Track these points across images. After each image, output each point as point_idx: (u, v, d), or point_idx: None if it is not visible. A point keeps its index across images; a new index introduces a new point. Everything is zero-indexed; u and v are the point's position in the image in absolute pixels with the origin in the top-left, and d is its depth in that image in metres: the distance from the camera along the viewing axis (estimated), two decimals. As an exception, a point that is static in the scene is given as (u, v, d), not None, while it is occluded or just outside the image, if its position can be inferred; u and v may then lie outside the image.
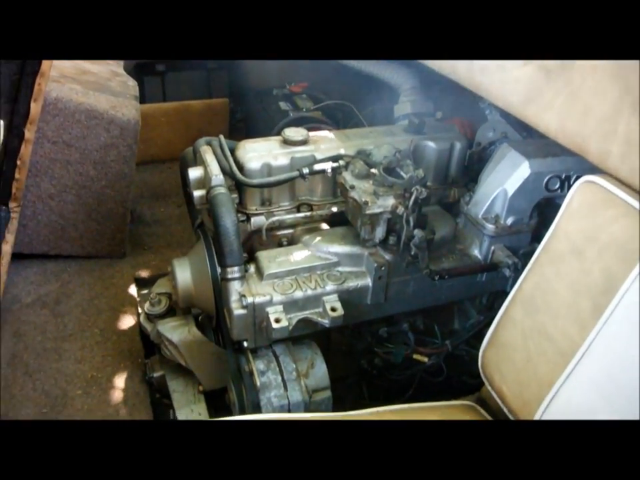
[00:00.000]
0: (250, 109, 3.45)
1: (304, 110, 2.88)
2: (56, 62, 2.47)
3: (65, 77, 2.47)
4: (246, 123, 3.63)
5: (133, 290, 2.51)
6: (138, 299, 2.45)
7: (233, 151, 1.78)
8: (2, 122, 1.27)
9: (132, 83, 2.77)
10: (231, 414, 1.77)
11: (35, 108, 2.01)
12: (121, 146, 2.44)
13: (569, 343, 1.21)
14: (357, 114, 2.81)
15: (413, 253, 1.60)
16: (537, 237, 1.81)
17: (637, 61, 1.11)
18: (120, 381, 2.09)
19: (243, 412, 1.68)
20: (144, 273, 2.61)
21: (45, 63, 1.90)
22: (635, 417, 1.08)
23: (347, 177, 1.66)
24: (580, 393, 1.19)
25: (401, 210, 1.56)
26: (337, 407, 1.75)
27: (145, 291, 2.47)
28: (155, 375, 2.02)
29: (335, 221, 1.81)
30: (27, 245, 2.52)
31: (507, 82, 1.41)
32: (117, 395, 2.04)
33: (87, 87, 2.46)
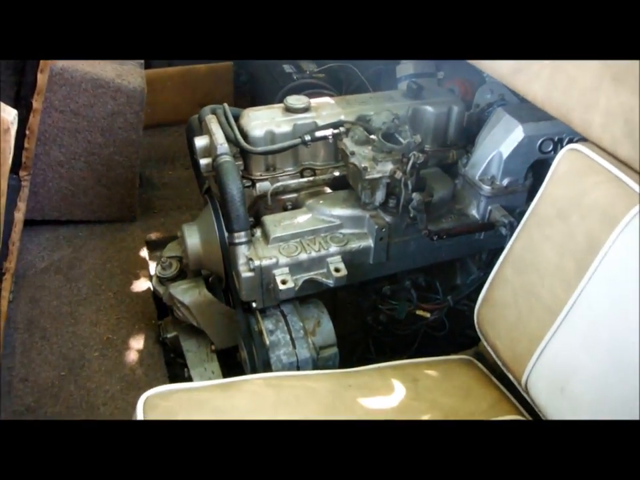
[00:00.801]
0: (254, 72, 3.46)
1: (307, 72, 2.90)
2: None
3: (71, 46, 2.51)
4: (250, 85, 3.64)
5: (144, 253, 2.59)
6: (149, 262, 2.53)
7: (237, 119, 1.83)
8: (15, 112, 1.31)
9: (137, 50, 2.80)
10: (242, 371, 1.86)
11: (41, 79, 2.07)
12: (128, 113, 2.49)
13: (555, 300, 1.28)
14: (359, 76, 2.83)
15: (412, 215, 1.67)
16: (531, 197, 1.87)
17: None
18: (135, 342, 2.18)
19: (253, 369, 1.76)
20: (154, 236, 2.67)
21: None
22: (614, 372, 1.15)
23: (348, 143, 1.71)
24: (566, 347, 1.26)
25: (399, 174, 1.62)
26: (345, 362, 1.82)
27: (156, 253, 2.54)
28: (169, 335, 2.10)
29: (337, 184, 1.87)
30: (39, 211, 2.59)
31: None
32: (133, 356, 2.13)
33: (93, 56, 2.50)
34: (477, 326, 1.56)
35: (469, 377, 1.56)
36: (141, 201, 2.80)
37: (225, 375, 1.99)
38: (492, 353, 1.49)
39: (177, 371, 2.12)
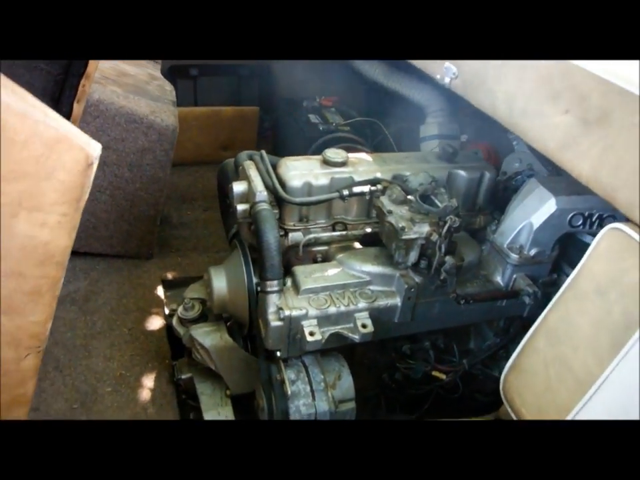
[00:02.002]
0: (278, 119, 3.49)
1: (333, 125, 2.94)
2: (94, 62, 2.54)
3: (106, 79, 2.54)
4: (273, 132, 3.68)
5: (159, 291, 2.58)
6: (165, 301, 2.52)
7: (274, 167, 1.86)
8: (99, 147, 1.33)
9: (169, 88, 2.84)
10: (255, 418, 1.85)
11: (77, 109, 2.06)
12: (158, 150, 2.51)
13: (587, 373, 1.30)
14: (384, 131, 2.87)
15: (442, 277, 1.68)
16: (555, 268, 1.89)
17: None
18: (148, 380, 2.16)
19: (271, 417, 1.75)
20: (170, 275, 2.68)
21: (91, 65, 1.94)
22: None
23: (385, 202, 1.74)
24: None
25: (434, 237, 1.64)
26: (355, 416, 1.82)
27: (171, 293, 2.55)
28: (183, 376, 2.08)
29: (368, 240, 1.89)
30: (58, 241, 2.58)
31: (546, 127, 1.48)
32: (145, 394, 2.11)
33: (127, 90, 2.53)
34: (502, 392, 1.56)
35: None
36: (158, 239, 2.81)
37: (238, 421, 1.98)
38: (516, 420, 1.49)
39: (187, 413, 2.10)
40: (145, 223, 2.65)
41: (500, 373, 2.03)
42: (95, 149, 1.28)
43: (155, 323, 2.41)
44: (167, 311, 2.42)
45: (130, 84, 2.63)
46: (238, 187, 1.81)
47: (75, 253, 2.58)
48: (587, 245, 1.72)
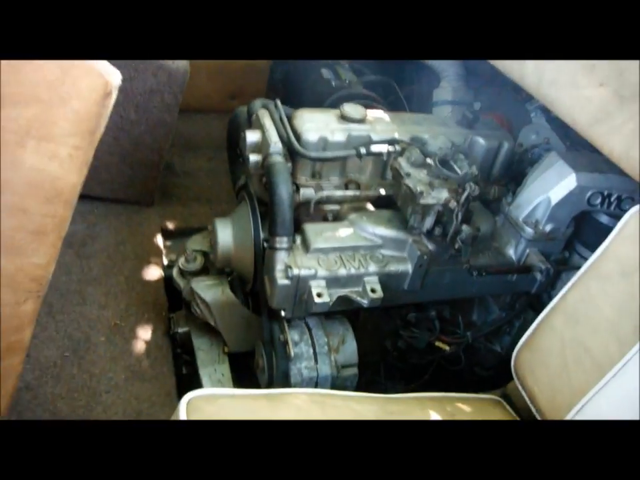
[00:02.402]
0: (290, 71, 3.41)
1: (346, 81, 2.86)
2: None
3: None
4: (284, 84, 3.59)
5: (159, 240, 2.52)
6: (164, 251, 2.47)
7: (289, 119, 1.78)
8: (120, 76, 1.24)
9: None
10: (253, 379, 1.81)
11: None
12: (166, 93, 2.42)
13: (606, 357, 1.26)
14: (397, 91, 2.80)
15: (457, 246, 1.63)
16: (567, 246, 1.84)
17: None
18: (143, 332, 2.10)
19: (270, 378, 1.71)
20: (170, 224, 2.61)
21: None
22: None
23: (403, 163, 1.68)
24: (611, 405, 1.24)
25: (452, 204, 1.58)
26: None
27: (170, 242, 2.50)
28: (180, 330, 2.04)
29: (380, 202, 1.83)
30: (57, 181, 2.51)
31: (578, 99, 1.43)
32: (140, 346, 2.06)
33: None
34: (513, 369, 1.52)
35: (501, 418, 1.52)
36: (160, 186, 2.72)
37: (234, 379, 1.94)
38: (526, 398, 1.45)
39: (181, 367, 2.07)
40: (148, 169, 2.57)
41: (502, 349, 2.02)
42: (115, 77, 1.20)
43: (153, 272, 2.34)
44: (165, 262, 2.38)
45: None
46: (251, 136, 1.73)
47: (74, 195, 2.54)
48: (602, 225, 1.70)
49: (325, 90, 2.73)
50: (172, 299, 2.19)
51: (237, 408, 1.26)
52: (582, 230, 1.83)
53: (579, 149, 1.91)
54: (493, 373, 2.04)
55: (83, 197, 2.49)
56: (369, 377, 2.05)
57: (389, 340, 1.96)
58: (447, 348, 1.94)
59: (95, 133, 1.24)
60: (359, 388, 1.75)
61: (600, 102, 1.39)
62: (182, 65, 2.40)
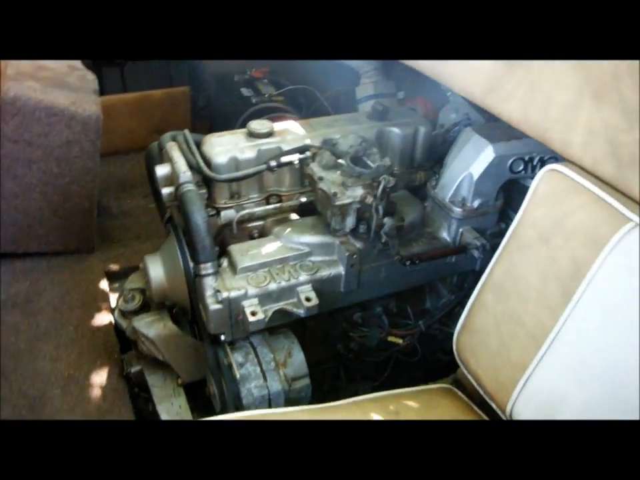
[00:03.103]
0: (212, 96, 3.42)
1: (266, 95, 2.87)
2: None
3: (22, 74, 2.43)
4: (208, 110, 3.60)
5: (104, 284, 2.50)
6: (110, 293, 2.44)
7: (198, 145, 1.78)
8: None
9: (91, 77, 2.73)
10: (211, 406, 1.79)
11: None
12: (84, 141, 2.41)
13: (539, 327, 1.25)
14: (319, 98, 2.80)
15: (383, 240, 1.62)
16: (502, 217, 1.85)
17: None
18: (98, 377, 2.07)
19: (224, 404, 1.69)
20: (114, 267, 2.59)
21: (2, 63, 1.87)
22: (605, 399, 1.11)
23: (315, 168, 1.67)
24: (552, 376, 1.22)
25: (369, 199, 1.58)
26: (315, 391, 1.78)
27: (117, 285, 2.48)
28: (133, 370, 2.01)
29: (305, 210, 1.83)
30: (-6, 244, 2.49)
31: (469, 71, 1.43)
32: (96, 392, 2.03)
33: (45, 84, 2.43)
34: (456, 353, 1.51)
35: (451, 407, 1.51)
36: (99, 231, 2.72)
37: (193, 409, 1.92)
38: (473, 382, 1.44)
39: (141, 405, 2.04)
40: (81, 217, 2.55)
41: (460, 330, 2.02)
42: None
43: (102, 317, 2.32)
44: (112, 304, 2.36)
45: (49, 77, 2.52)
46: (161, 170, 1.73)
47: (13, 255, 2.52)
48: (530, 190, 1.69)
49: (247, 108, 2.73)
50: (123, 341, 2.16)
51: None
52: (513, 199, 1.83)
53: (498, 119, 1.91)
54: (456, 356, 2.04)
55: (23, 255, 2.53)
56: (331, 384, 2.05)
57: (340, 343, 1.94)
58: (401, 341, 1.94)
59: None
60: (321, 397, 1.74)
61: (489, 70, 1.38)
62: (94, 111, 2.40)
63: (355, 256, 1.67)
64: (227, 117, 2.93)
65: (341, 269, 1.69)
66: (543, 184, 1.30)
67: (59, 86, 2.47)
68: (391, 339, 1.93)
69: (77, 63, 2.83)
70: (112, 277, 2.54)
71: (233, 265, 1.64)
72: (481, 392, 1.42)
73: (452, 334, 1.57)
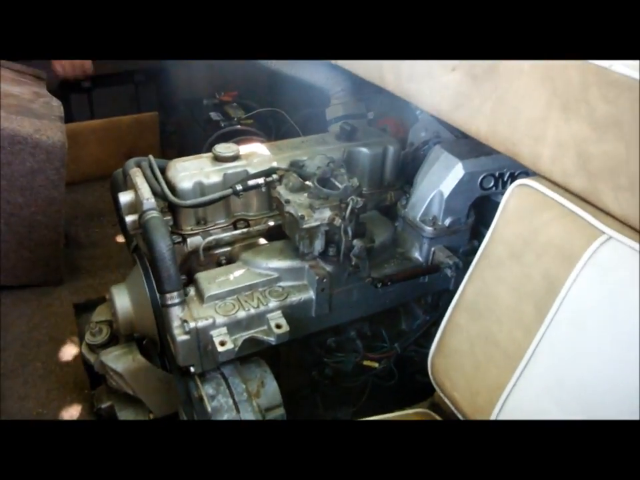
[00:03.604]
0: (181, 121, 3.40)
1: (235, 119, 2.84)
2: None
3: (-16, 101, 2.39)
4: (178, 135, 3.57)
5: (72, 317, 2.44)
6: (79, 326, 2.38)
7: (163, 171, 1.74)
8: None
9: (56, 103, 2.69)
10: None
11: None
12: (49, 170, 2.36)
13: (515, 347, 1.22)
14: (288, 120, 2.78)
15: (353, 263, 1.59)
16: (475, 235, 1.82)
17: (564, 63, 1.11)
18: (67, 415, 2.01)
19: (195, 438, 1.64)
20: (83, 299, 2.53)
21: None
22: (583, 415, 1.09)
23: (282, 191, 1.64)
24: (530, 396, 1.20)
25: (338, 221, 1.55)
26: (292, 419, 1.73)
27: (86, 317, 2.41)
28: (103, 406, 1.95)
29: (273, 234, 1.79)
30: (-43, 279, 2.43)
31: (435, 88, 1.41)
32: (65, 430, 1.97)
33: (9, 111, 2.37)
34: (431, 377, 1.48)
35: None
36: (67, 261, 2.66)
37: (165, 445, 1.86)
38: (450, 405, 1.40)
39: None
40: (48, 248, 2.50)
41: (436, 351, 1.98)
42: None
43: (70, 351, 2.26)
44: (82, 337, 2.30)
45: (13, 104, 2.47)
46: (124, 197, 1.69)
47: (-22, 290, 2.46)
48: (502, 206, 1.66)
49: (216, 131, 2.70)
50: (93, 376, 2.09)
51: None
52: (485, 216, 1.80)
53: (468, 136, 1.89)
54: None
55: None
56: (308, 412, 2.00)
57: (314, 370, 1.90)
58: (377, 365, 1.90)
59: None
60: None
61: (456, 86, 1.36)
62: (57, 139, 2.35)
63: (324, 280, 1.63)
64: (197, 141, 2.91)
65: (311, 294, 1.65)
66: (513, 199, 1.28)
67: (23, 113, 2.42)
68: (366, 363, 1.90)
69: (42, 90, 2.79)
70: (81, 309, 2.48)
71: (200, 294, 1.60)
72: (459, 415, 1.38)
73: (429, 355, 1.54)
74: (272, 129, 2.88)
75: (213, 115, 2.99)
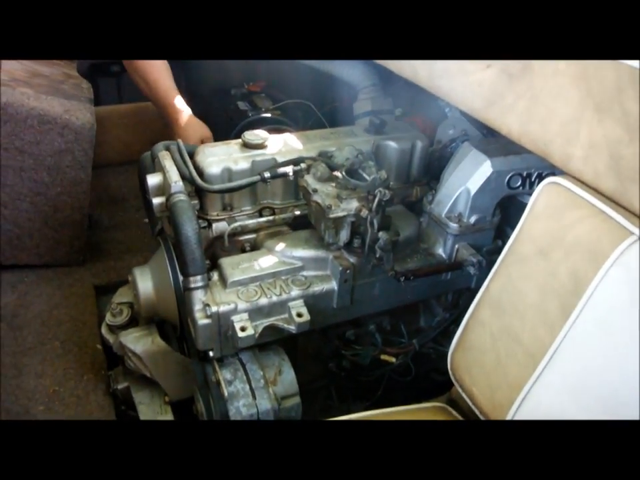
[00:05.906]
0: (207, 109, 3.38)
1: (262, 109, 2.83)
2: (5, 65, 2.40)
3: (16, 80, 2.39)
4: (204, 122, 3.56)
5: (93, 298, 2.44)
6: (99, 308, 2.39)
7: (192, 156, 1.75)
8: None
9: (86, 85, 2.69)
10: (198, 424, 1.75)
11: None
12: (76, 151, 2.37)
13: (537, 344, 1.21)
14: (316, 112, 2.77)
15: (378, 255, 1.59)
16: (499, 234, 1.81)
17: (599, 63, 1.10)
18: (83, 394, 2.01)
19: (211, 422, 1.65)
20: (104, 281, 2.54)
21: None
22: (604, 416, 1.08)
23: (309, 180, 1.63)
24: (550, 394, 1.19)
25: (364, 213, 1.54)
26: (306, 410, 1.74)
27: (105, 299, 2.42)
28: (119, 387, 1.96)
29: (298, 224, 1.79)
30: (-19, 256, 2.45)
31: (469, 85, 1.40)
32: (81, 409, 1.96)
33: (39, 91, 2.38)
34: (450, 372, 1.48)
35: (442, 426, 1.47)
36: (90, 243, 2.66)
37: (179, 429, 1.87)
38: (468, 401, 1.40)
39: (128, 423, 1.98)
40: (72, 228, 2.50)
41: (454, 349, 1.98)
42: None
43: (90, 332, 2.26)
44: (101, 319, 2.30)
45: (43, 84, 2.48)
46: (152, 179, 1.69)
47: (0, 267, 2.46)
48: (528, 207, 1.66)
49: (243, 121, 2.70)
50: (111, 356, 2.10)
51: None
52: (510, 215, 1.80)
53: (496, 135, 1.89)
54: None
55: (11, 266, 2.47)
56: (322, 403, 2.00)
57: (332, 362, 1.90)
58: (394, 360, 1.90)
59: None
60: (312, 417, 1.70)
61: (490, 84, 1.36)
62: (87, 121, 2.35)
63: (348, 271, 1.63)
64: (222, 130, 2.89)
65: (334, 284, 1.65)
66: (543, 197, 1.27)
67: (53, 93, 2.42)
68: (383, 357, 1.89)
69: (73, 71, 2.79)
70: (101, 291, 2.48)
71: (223, 279, 1.60)
72: (476, 411, 1.38)
73: (446, 353, 1.54)
74: (299, 121, 2.86)
75: (241, 105, 2.97)
